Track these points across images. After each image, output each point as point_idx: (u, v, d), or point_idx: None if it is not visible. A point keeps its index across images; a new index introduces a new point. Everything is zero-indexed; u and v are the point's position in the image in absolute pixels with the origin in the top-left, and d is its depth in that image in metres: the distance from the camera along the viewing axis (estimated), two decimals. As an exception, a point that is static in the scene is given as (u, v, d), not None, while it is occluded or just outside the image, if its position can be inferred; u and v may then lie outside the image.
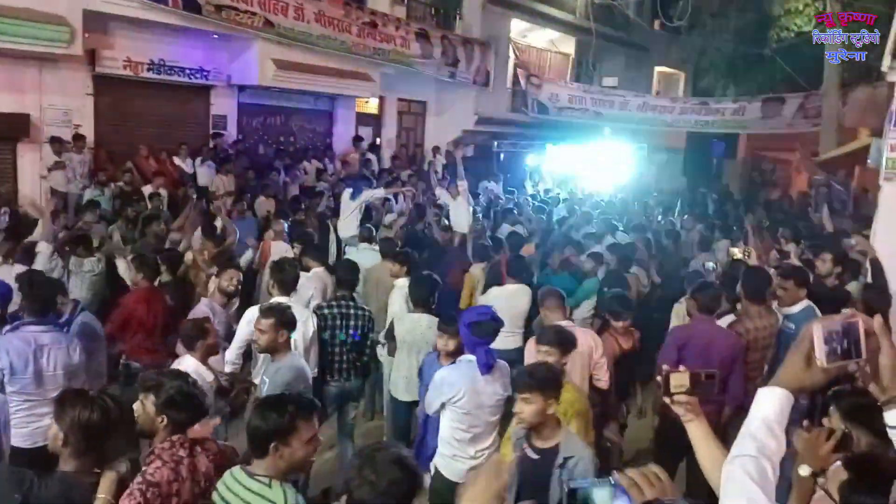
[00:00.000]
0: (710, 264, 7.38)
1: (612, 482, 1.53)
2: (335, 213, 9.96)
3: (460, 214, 10.60)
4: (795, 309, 5.10)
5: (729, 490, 1.53)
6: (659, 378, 2.11)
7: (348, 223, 9.05)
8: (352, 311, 5.22)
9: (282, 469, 2.62)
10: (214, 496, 2.70)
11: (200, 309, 5.08)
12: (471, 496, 1.86)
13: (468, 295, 6.91)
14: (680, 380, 2.07)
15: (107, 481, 2.61)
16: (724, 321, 5.14)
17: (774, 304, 5.25)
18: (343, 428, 5.31)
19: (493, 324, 4.05)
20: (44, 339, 3.99)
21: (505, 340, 6.04)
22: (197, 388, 2.90)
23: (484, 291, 6.51)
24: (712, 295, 4.94)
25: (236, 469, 2.71)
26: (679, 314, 5.92)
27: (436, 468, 4.07)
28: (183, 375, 2.95)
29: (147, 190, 10.11)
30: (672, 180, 19.24)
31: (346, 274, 5.57)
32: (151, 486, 2.59)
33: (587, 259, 7.40)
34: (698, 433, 2.04)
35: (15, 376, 3.87)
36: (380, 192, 10.19)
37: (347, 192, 9.47)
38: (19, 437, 3.93)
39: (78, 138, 10.56)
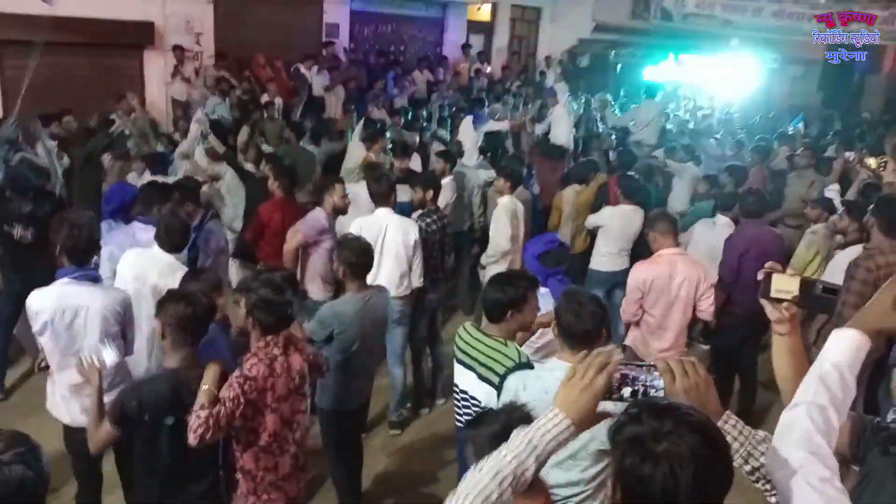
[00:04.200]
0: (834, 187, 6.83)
1: (653, 366, 1.52)
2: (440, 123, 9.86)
3: (560, 127, 10.10)
4: None
5: (793, 437, 1.43)
6: (759, 276, 1.79)
7: (470, 153, 8.48)
8: (442, 224, 5.35)
9: (513, 330, 3.20)
10: (455, 349, 3.28)
11: (317, 217, 5.07)
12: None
13: (557, 218, 6.73)
14: (786, 284, 1.73)
15: (210, 372, 2.84)
16: (852, 252, 4.81)
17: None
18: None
19: (563, 252, 3.95)
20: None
21: (613, 261, 5.98)
22: (283, 295, 3.02)
23: (596, 211, 6.36)
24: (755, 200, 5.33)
25: (471, 328, 3.29)
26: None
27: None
28: (272, 282, 3.07)
29: (264, 99, 10.38)
30: (807, 96, 17.76)
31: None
32: (249, 380, 2.84)
33: (702, 181, 7.05)
34: (786, 352, 1.79)
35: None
36: (504, 125, 9.66)
37: (468, 119, 9.06)
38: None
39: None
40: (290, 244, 4.91)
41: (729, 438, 1.60)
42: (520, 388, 2.81)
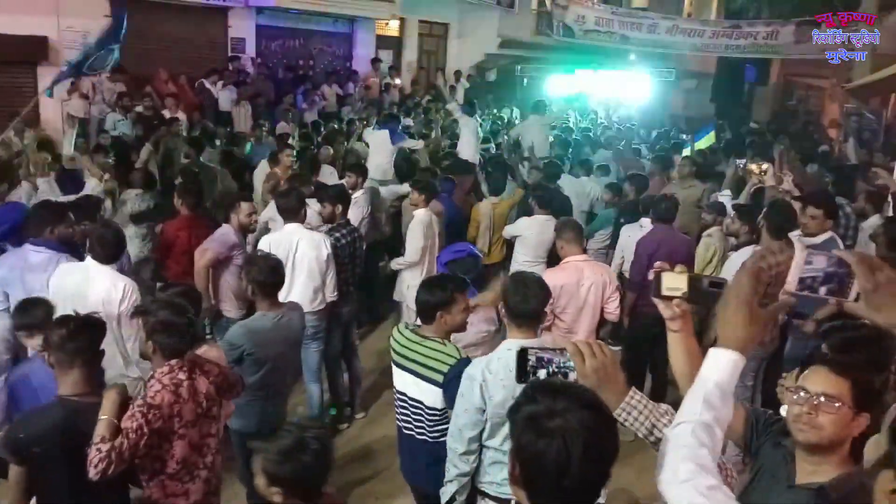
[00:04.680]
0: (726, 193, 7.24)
1: (564, 349, 1.63)
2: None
3: (463, 142, 10.25)
4: (819, 240, 5.03)
5: (679, 454, 1.50)
6: (650, 276, 1.84)
7: (382, 166, 8.49)
8: (352, 237, 5.36)
9: (446, 332, 3.30)
10: (393, 353, 3.33)
11: (226, 233, 5.01)
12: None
13: (474, 230, 6.81)
14: (675, 281, 1.78)
15: (109, 401, 2.70)
16: (745, 252, 5.13)
17: (796, 233, 5.17)
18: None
19: (470, 260, 4.06)
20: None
21: (531, 269, 6.11)
22: (185, 317, 2.91)
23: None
24: (668, 206, 5.65)
25: (405, 331, 3.37)
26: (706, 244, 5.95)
27: None
28: (173, 304, 2.97)
29: (166, 114, 10.09)
30: (701, 108, 18.74)
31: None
32: (153, 409, 2.71)
33: (605, 190, 7.33)
34: (680, 348, 1.85)
35: None
36: (419, 145, 9.80)
37: (383, 132, 8.92)
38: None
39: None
40: (200, 263, 4.81)
41: (635, 413, 1.72)
42: (484, 371, 2.97)
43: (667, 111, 17.01)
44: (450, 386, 3.12)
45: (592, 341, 1.68)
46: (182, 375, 2.86)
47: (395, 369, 3.41)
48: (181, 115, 10.13)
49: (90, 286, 3.93)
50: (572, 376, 1.60)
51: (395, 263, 5.86)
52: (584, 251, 5.14)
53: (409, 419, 3.38)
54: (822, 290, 1.59)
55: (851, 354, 2.58)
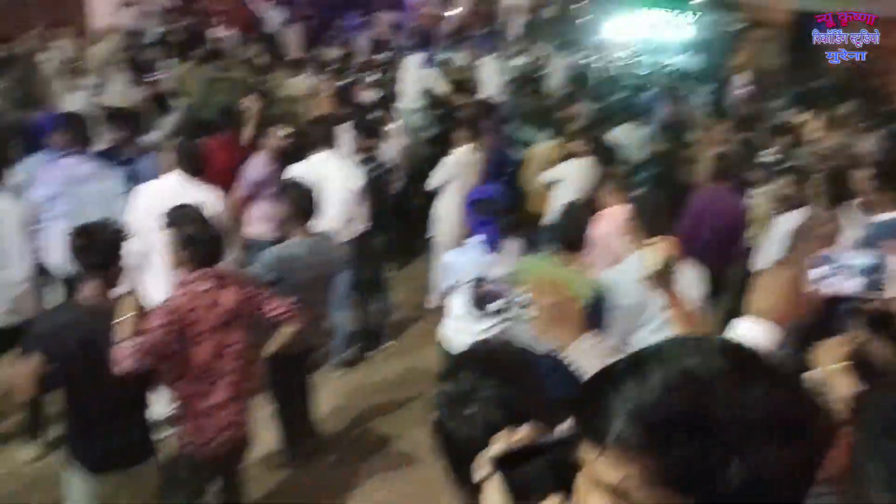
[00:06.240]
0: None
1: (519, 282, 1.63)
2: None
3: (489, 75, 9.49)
4: (886, 216, 4.12)
5: None
6: None
7: (412, 93, 8.21)
8: (385, 169, 5.39)
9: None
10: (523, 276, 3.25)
11: (255, 166, 5.11)
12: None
13: (527, 173, 6.59)
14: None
15: (125, 305, 2.79)
16: (791, 217, 4.89)
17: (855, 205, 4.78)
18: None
19: (495, 202, 3.95)
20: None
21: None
22: (212, 231, 3.03)
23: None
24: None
25: (544, 260, 3.64)
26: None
27: (442, 340, 4.10)
28: (201, 218, 3.06)
29: (214, 33, 10.00)
30: (767, 60, 17.84)
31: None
32: (172, 311, 2.85)
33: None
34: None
35: None
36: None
37: (416, 57, 8.67)
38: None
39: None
40: (234, 196, 4.94)
41: (584, 357, 1.60)
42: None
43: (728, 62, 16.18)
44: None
45: (553, 279, 1.62)
46: (205, 285, 2.96)
47: None
48: (230, 33, 10.03)
49: (183, 200, 3.92)
50: (525, 311, 1.56)
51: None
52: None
53: None
54: (855, 283, 1.46)
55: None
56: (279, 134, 5.07)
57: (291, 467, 4.15)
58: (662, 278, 1.84)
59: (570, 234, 3.60)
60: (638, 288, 2.88)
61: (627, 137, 7.32)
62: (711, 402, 0.71)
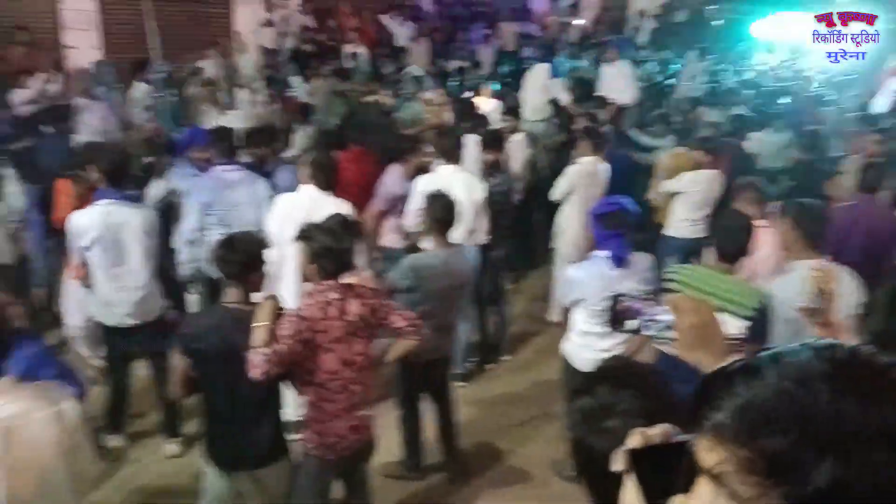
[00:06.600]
0: None
1: (656, 300, 1.54)
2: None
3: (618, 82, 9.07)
4: None
5: None
6: None
7: (535, 104, 8.09)
8: (508, 183, 5.38)
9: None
10: (679, 286, 3.27)
11: (397, 176, 5.22)
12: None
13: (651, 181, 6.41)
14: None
15: (263, 311, 2.93)
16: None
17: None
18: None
19: (623, 215, 3.77)
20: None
21: (688, 229, 5.76)
22: (342, 242, 3.11)
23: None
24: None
25: (704, 269, 3.45)
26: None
27: (565, 355, 4.02)
28: (332, 231, 3.15)
29: (347, 49, 10.41)
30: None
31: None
32: (302, 321, 2.96)
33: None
34: None
35: None
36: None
37: (541, 67, 8.61)
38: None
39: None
40: (372, 209, 5.14)
41: None
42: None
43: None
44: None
45: (696, 298, 1.53)
46: (333, 295, 3.05)
47: None
48: (361, 50, 10.40)
49: (317, 212, 4.04)
50: (667, 332, 1.46)
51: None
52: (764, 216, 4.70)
53: None
54: None
55: None
56: (426, 151, 5.19)
57: (406, 478, 4.18)
58: (819, 313, 1.73)
59: (729, 243, 3.42)
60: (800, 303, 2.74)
61: (763, 145, 6.95)
62: (812, 402, 0.73)
